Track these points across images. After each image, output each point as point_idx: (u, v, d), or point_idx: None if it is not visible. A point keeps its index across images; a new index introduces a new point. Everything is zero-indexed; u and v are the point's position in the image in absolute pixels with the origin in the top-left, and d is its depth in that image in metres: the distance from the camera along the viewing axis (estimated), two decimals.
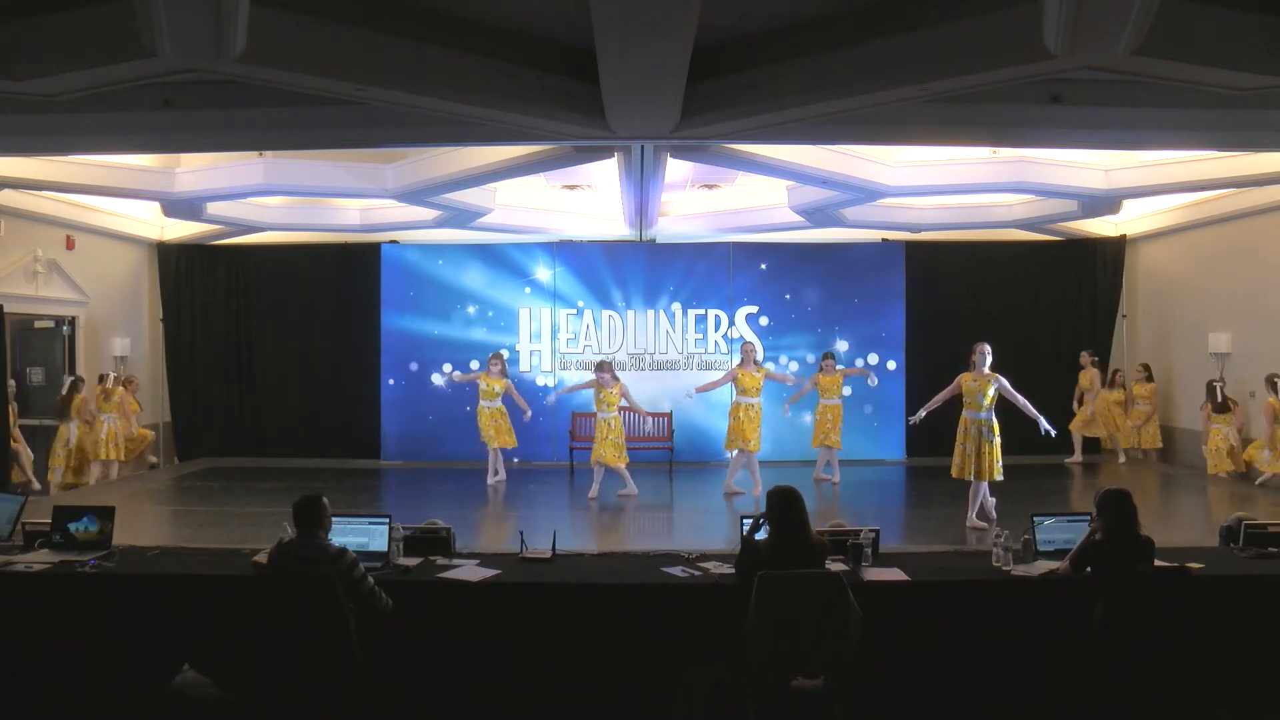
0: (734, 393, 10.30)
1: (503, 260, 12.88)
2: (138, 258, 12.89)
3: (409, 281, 12.89)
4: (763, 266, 12.86)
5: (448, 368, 12.71)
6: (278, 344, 13.14)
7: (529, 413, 11.03)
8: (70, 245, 11.34)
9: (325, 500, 4.48)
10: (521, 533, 5.47)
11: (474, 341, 12.75)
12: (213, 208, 10.99)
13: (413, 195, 10.23)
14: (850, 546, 5.03)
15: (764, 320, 12.82)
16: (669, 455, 12.16)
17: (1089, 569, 4.59)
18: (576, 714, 4.70)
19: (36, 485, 10.33)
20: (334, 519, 4.65)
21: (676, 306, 12.87)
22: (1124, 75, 5.92)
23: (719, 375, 11.45)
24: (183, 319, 13.08)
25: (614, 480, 10.02)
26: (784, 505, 4.49)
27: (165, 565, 5.16)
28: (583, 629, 4.77)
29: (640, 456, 12.22)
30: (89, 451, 10.80)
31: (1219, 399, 10.64)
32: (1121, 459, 12.14)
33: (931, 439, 12.62)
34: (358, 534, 5.06)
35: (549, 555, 5.27)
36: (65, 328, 11.42)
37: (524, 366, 12.84)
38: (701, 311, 12.88)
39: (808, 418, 12.12)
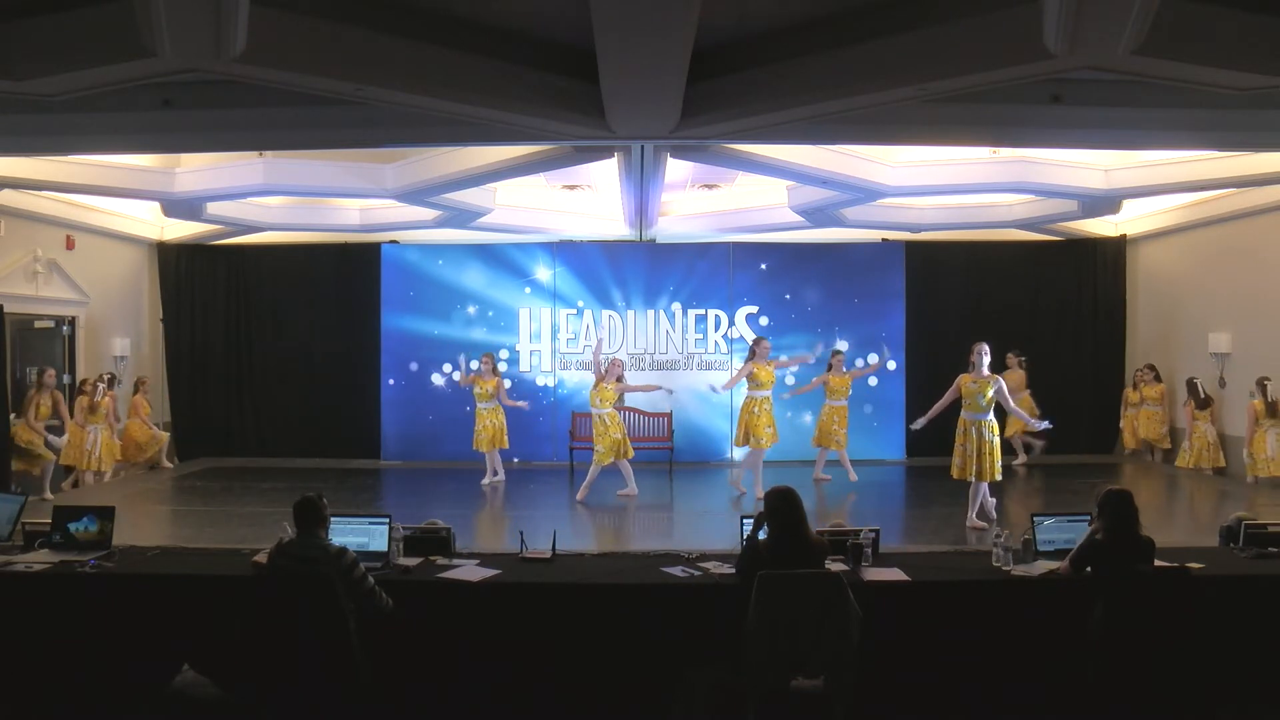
0: (745, 388, 10.14)
1: (503, 260, 12.89)
2: (138, 258, 12.89)
3: (409, 281, 12.89)
4: (763, 266, 12.86)
5: (447, 367, 12.72)
6: (278, 344, 13.14)
7: (526, 405, 11.10)
8: (70, 245, 11.35)
9: (324, 500, 4.48)
10: (521, 533, 5.47)
11: (474, 341, 12.73)
12: (213, 208, 10.99)
13: (413, 195, 10.23)
14: (850, 546, 5.03)
15: (764, 320, 12.82)
16: (669, 455, 12.16)
17: (1089, 569, 4.59)
18: (576, 714, 4.70)
19: (47, 496, 9.94)
20: (334, 519, 4.65)
21: (676, 306, 12.87)
22: (1124, 75, 5.92)
23: (728, 375, 11.45)
24: (183, 319, 13.08)
25: (617, 479, 10.01)
26: (783, 505, 4.49)
27: (165, 565, 5.16)
28: (583, 629, 4.77)
29: (640, 457, 12.22)
30: (77, 461, 10.54)
31: (1201, 395, 10.88)
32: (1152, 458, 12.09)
33: (931, 439, 12.62)
34: (358, 534, 5.06)
35: (549, 555, 5.28)
36: (65, 328, 11.42)
37: (524, 366, 12.85)
38: (701, 311, 12.88)
39: (808, 417, 12.12)
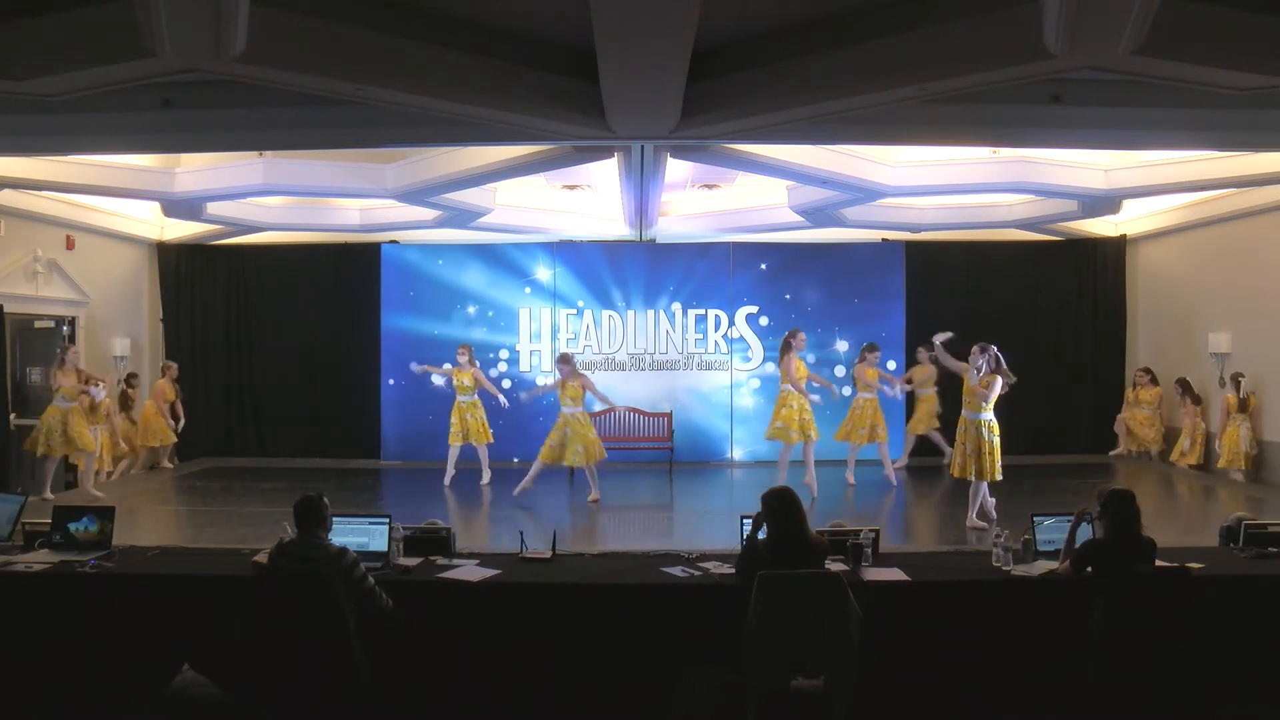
0: (781, 381, 9.91)
1: (503, 260, 12.89)
2: (138, 258, 12.89)
3: (409, 281, 12.89)
4: (763, 266, 12.86)
5: (448, 367, 12.70)
6: (278, 344, 13.13)
7: (505, 401, 11.02)
8: (70, 245, 11.34)
9: (325, 500, 4.48)
10: (521, 533, 5.48)
11: (474, 341, 12.70)
12: (213, 208, 10.99)
13: (413, 195, 10.23)
14: (850, 546, 5.03)
15: (764, 320, 12.82)
16: (669, 455, 12.16)
17: (1089, 569, 4.59)
18: (576, 714, 4.70)
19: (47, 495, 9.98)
20: (334, 519, 4.65)
21: (676, 306, 12.87)
22: (1124, 75, 5.92)
23: (728, 374, 11.38)
24: (183, 319, 13.07)
25: (611, 481, 10.01)
26: (781, 506, 4.49)
27: (165, 565, 5.17)
28: (583, 629, 4.77)
29: (640, 457, 12.26)
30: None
31: (1194, 393, 11.08)
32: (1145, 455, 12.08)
33: (931, 439, 12.67)
34: (358, 534, 5.07)
35: (549, 555, 5.28)
36: (65, 328, 11.41)
37: (524, 366, 12.85)
38: (701, 311, 12.88)
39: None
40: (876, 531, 5.28)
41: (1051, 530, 5.17)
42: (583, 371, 10.06)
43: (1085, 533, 4.84)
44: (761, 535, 4.57)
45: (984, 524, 8.02)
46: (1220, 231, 11.30)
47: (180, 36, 5.17)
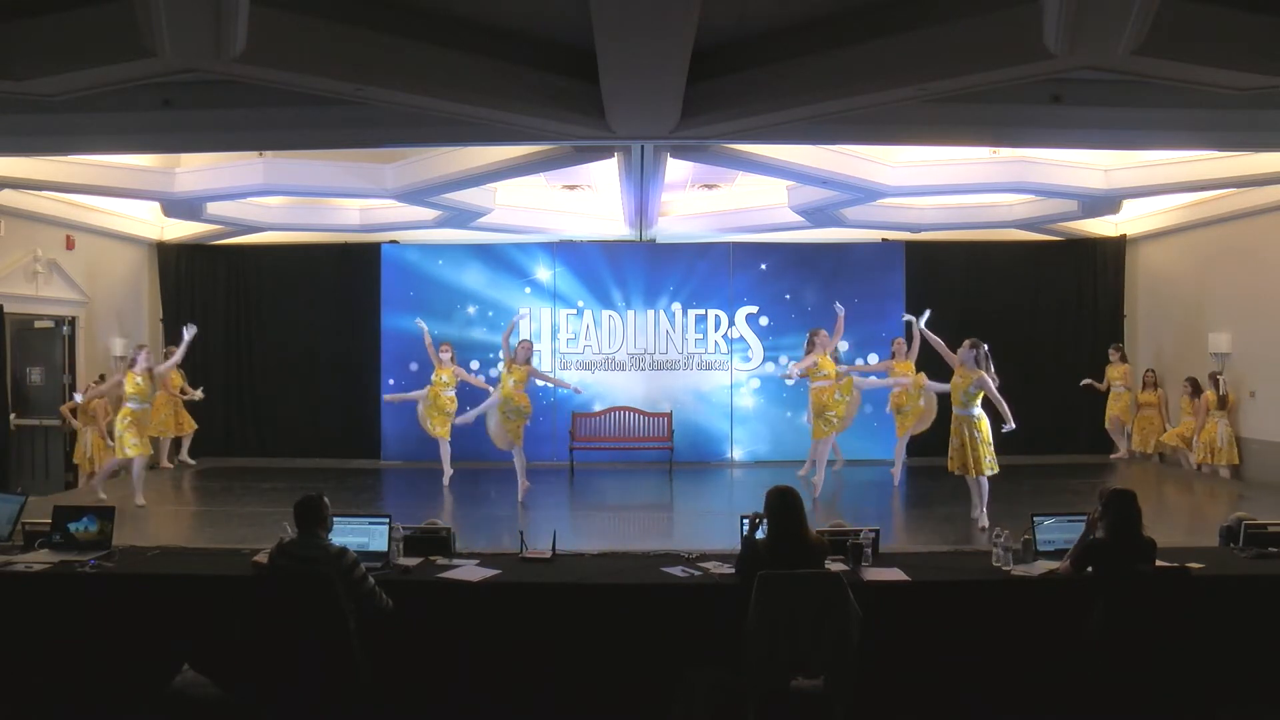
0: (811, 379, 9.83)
1: (503, 260, 12.89)
2: (138, 258, 12.89)
3: (409, 281, 12.89)
4: (763, 266, 12.86)
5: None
6: (278, 344, 13.14)
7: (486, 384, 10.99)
8: (70, 245, 11.34)
9: (326, 500, 4.49)
10: (521, 533, 5.48)
11: (474, 341, 12.75)
12: (213, 208, 10.99)
13: (413, 195, 10.23)
14: (850, 546, 5.03)
15: (764, 320, 12.82)
16: (669, 455, 12.16)
17: (1089, 569, 4.59)
18: (576, 714, 4.70)
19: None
20: (334, 519, 4.65)
21: (676, 306, 12.87)
22: (1124, 75, 5.92)
23: (747, 373, 11.36)
24: (183, 319, 12.98)
25: (612, 481, 10.00)
26: (781, 505, 4.50)
27: (165, 565, 5.16)
28: (583, 629, 4.77)
29: (640, 457, 12.26)
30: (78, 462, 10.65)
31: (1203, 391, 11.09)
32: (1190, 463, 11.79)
33: (931, 439, 12.65)
34: (358, 534, 5.07)
35: (549, 555, 5.28)
36: (65, 328, 11.41)
37: None
38: (701, 311, 12.89)
39: (806, 419, 12.08)
40: (876, 531, 5.28)
41: (1051, 530, 5.17)
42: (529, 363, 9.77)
43: None
44: (761, 535, 4.57)
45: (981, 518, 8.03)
46: (1220, 231, 11.30)
47: (180, 36, 5.17)
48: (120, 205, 11.61)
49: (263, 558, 4.70)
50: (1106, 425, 12.39)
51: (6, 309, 10.08)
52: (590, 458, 12.41)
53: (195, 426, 12.16)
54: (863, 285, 12.82)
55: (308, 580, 4.18)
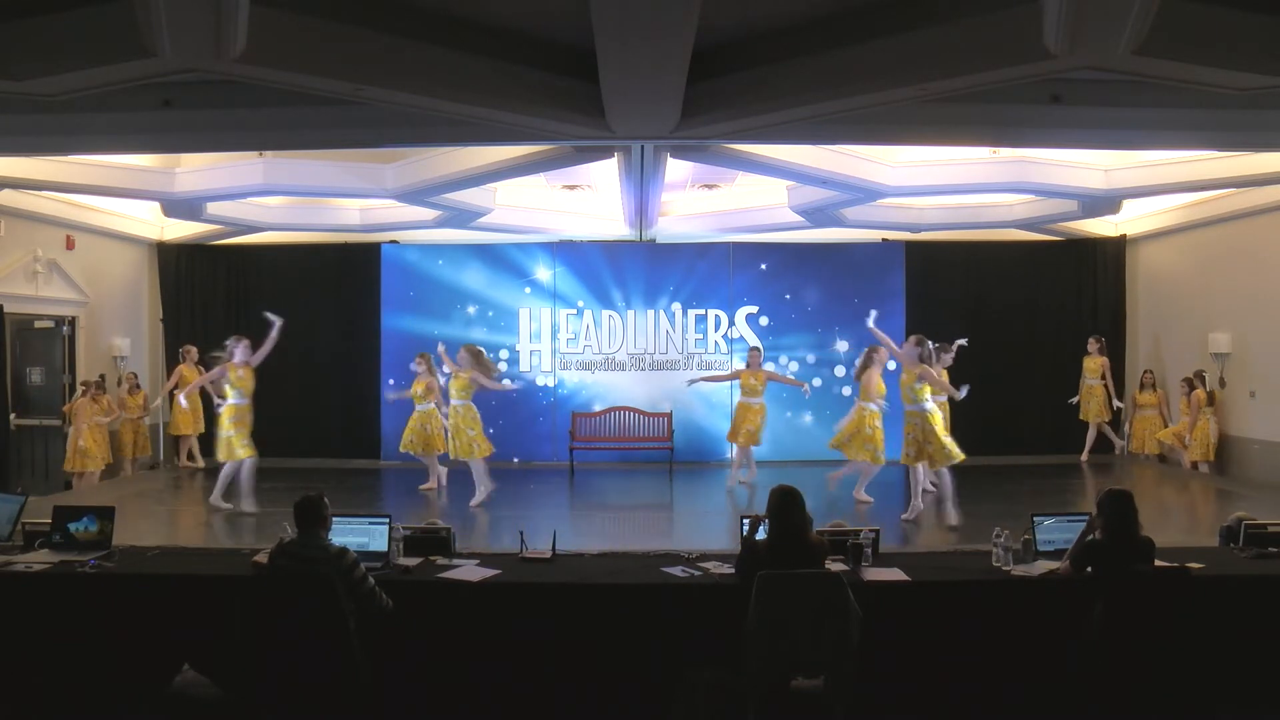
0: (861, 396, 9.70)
1: (503, 260, 12.89)
2: (138, 258, 12.88)
3: (409, 281, 12.89)
4: (763, 266, 12.86)
5: (448, 368, 12.68)
6: (278, 344, 13.11)
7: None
8: (70, 245, 11.34)
9: (325, 500, 4.49)
10: (521, 533, 5.47)
11: (474, 341, 12.69)
12: (213, 208, 10.99)
13: (413, 195, 10.23)
14: (850, 546, 5.03)
15: (764, 320, 12.82)
16: (669, 455, 12.16)
17: (1089, 569, 4.59)
18: (576, 714, 4.70)
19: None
20: (334, 519, 4.65)
21: (676, 306, 12.87)
22: (1124, 75, 5.92)
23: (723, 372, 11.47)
24: (183, 319, 13.06)
25: (612, 481, 9.99)
26: (782, 505, 4.50)
27: (165, 565, 5.16)
28: (583, 629, 4.77)
29: (640, 456, 12.27)
30: (71, 463, 10.61)
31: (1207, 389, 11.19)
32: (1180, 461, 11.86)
33: None
34: (358, 534, 5.06)
35: (549, 555, 5.28)
36: (65, 328, 11.42)
37: (524, 366, 12.85)
38: (701, 311, 12.89)
39: (808, 417, 12.12)
40: (876, 531, 5.28)
41: (1051, 530, 5.17)
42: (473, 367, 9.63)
43: None
44: (761, 535, 4.57)
45: (954, 522, 8.09)
46: (1220, 231, 11.30)
47: (180, 36, 5.17)
48: (120, 205, 11.61)
49: (263, 558, 4.70)
50: (1081, 417, 12.33)
51: (6, 309, 10.08)
52: (590, 458, 12.41)
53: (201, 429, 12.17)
54: (863, 285, 12.83)
55: (308, 580, 4.18)
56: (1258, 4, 5.41)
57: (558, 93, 6.60)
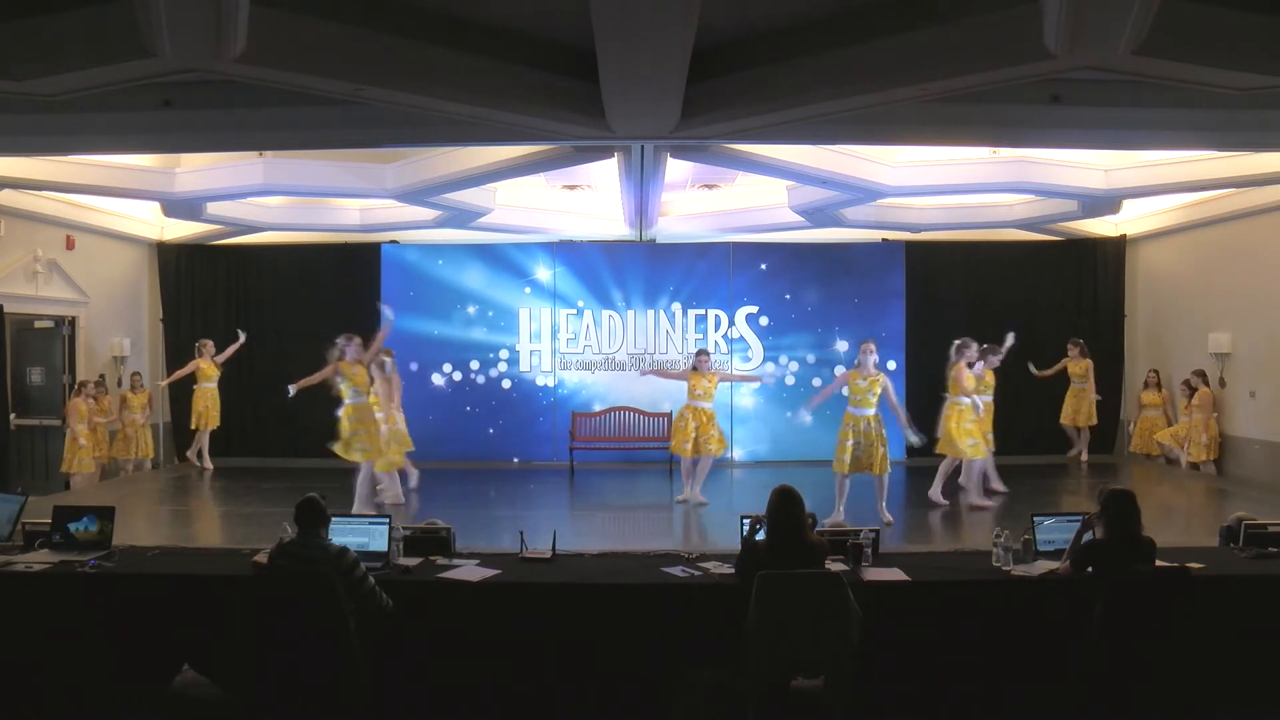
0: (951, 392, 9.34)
1: (503, 260, 12.89)
2: (138, 258, 12.88)
3: (409, 281, 12.89)
4: (763, 266, 12.86)
5: (448, 367, 12.71)
6: (278, 344, 13.12)
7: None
8: (70, 245, 11.34)
9: (325, 500, 4.49)
10: (521, 533, 5.47)
11: (474, 341, 12.76)
12: (213, 208, 10.98)
13: (413, 195, 10.23)
14: (850, 546, 5.03)
15: (764, 320, 12.82)
16: (669, 455, 12.14)
17: (1089, 569, 4.59)
18: (577, 714, 4.70)
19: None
20: (334, 519, 4.66)
21: (676, 306, 12.87)
22: (1124, 75, 5.92)
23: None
24: (183, 319, 13.06)
25: (612, 481, 9.98)
26: (782, 505, 4.50)
27: (165, 565, 5.17)
28: (583, 629, 4.77)
29: (640, 456, 12.27)
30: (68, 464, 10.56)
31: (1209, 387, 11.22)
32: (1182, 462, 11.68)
33: (931, 439, 12.65)
34: (358, 534, 5.07)
35: (549, 555, 5.28)
36: (65, 328, 11.42)
37: (524, 366, 12.85)
38: (701, 311, 12.88)
39: (808, 418, 12.08)
40: (876, 531, 5.28)
41: (1051, 530, 5.17)
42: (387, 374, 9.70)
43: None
44: (762, 536, 4.57)
45: (891, 518, 8.24)
46: (1220, 231, 11.30)
47: (180, 36, 5.17)
48: (120, 205, 11.61)
49: (263, 558, 4.70)
50: (1062, 421, 12.23)
51: (6, 309, 10.08)
52: (590, 458, 12.41)
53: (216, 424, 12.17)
54: (863, 285, 12.83)
55: (308, 580, 4.18)
56: (1258, 4, 5.41)
57: (558, 93, 6.59)
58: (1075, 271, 13.05)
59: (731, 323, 12.84)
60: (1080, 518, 4.93)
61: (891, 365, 12.66)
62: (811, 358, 12.75)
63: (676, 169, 10.24)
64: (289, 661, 4.18)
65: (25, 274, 10.64)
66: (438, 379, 12.76)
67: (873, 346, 8.46)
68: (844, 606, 4.14)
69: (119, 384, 11.93)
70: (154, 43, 5.19)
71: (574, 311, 12.87)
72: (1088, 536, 4.77)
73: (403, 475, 9.63)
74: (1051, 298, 13.07)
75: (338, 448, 8.75)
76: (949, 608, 4.80)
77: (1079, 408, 12.11)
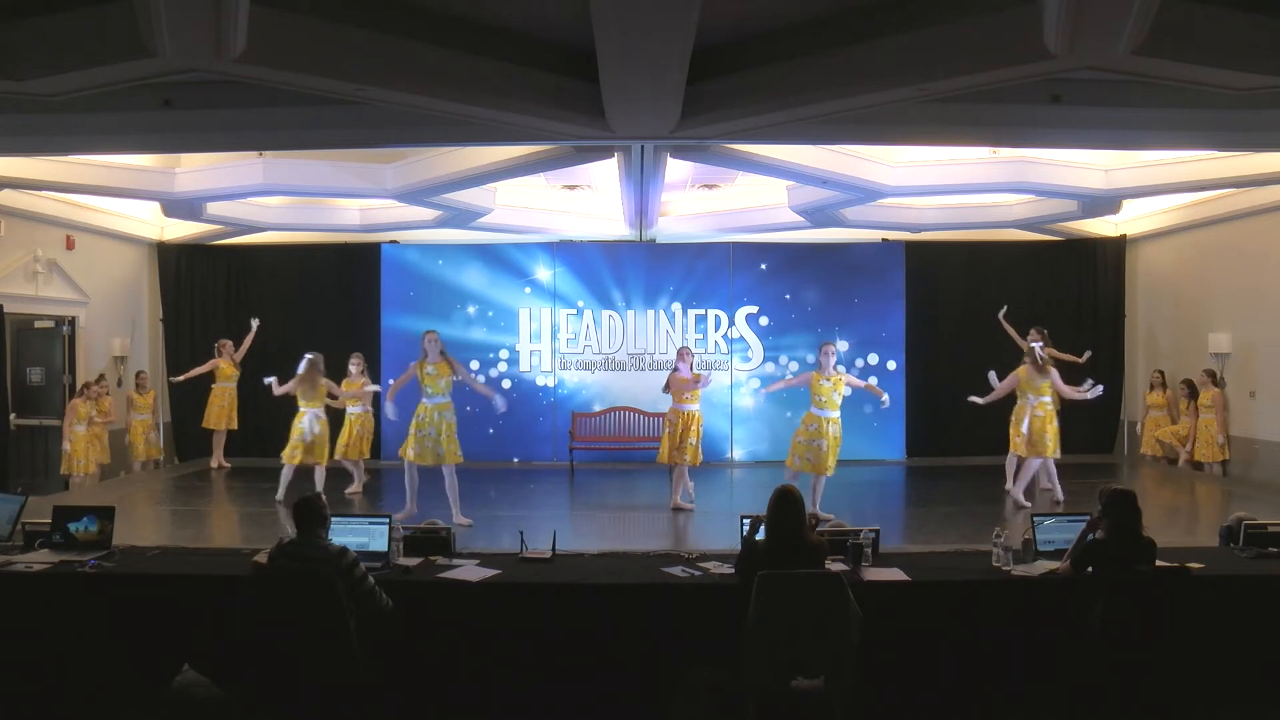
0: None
1: (503, 260, 12.89)
2: (138, 258, 12.88)
3: (409, 281, 12.89)
4: (763, 266, 12.86)
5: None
6: (278, 344, 13.11)
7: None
8: (70, 245, 11.34)
9: (325, 500, 4.49)
10: (521, 533, 5.47)
11: (474, 341, 12.75)
12: (213, 208, 10.99)
13: (413, 195, 10.23)
14: (850, 546, 5.03)
15: (764, 320, 12.82)
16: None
17: (1090, 569, 4.59)
18: (577, 714, 4.70)
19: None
20: (334, 519, 4.66)
21: (676, 306, 12.87)
22: (1124, 75, 5.92)
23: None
24: (183, 319, 13.06)
25: (612, 481, 9.98)
26: (781, 506, 4.50)
27: (165, 565, 5.17)
28: (583, 629, 4.77)
29: (640, 457, 12.25)
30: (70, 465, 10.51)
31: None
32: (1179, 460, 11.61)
33: (932, 439, 12.67)
34: (358, 534, 5.07)
35: (549, 555, 5.28)
36: (65, 328, 11.42)
37: (524, 366, 12.85)
38: (701, 311, 12.88)
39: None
40: (876, 531, 5.28)
41: (1051, 530, 5.17)
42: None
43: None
44: (760, 536, 4.58)
45: (830, 516, 8.06)
46: (1220, 231, 11.30)
47: (180, 36, 5.17)
48: (120, 205, 11.60)
49: (263, 558, 4.70)
50: (1151, 451, 11.75)
51: (6, 309, 10.08)
52: (590, 458, 12.41)
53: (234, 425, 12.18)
54: (863, 285, 12.83)
55: (308, 580, 4.18)
56: (1258, 4, 5.41)
57: (558, 93, 6.60)
58: (1075, 271, 13.05)
59: (731, 323, 12.84)
60: (1081, 517, 4.94)
61: (891, 365, 12.68)
62: (811, 358, 12.62)
63: (676, 169, 10.24)
64: (289, 661, 4.17)
65: (25, 274, 10.64)
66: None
67: (833, 348, 8.58)
68: (844, 606, 4.14)
69: (119, 384, 11.92)
70: (154, 43, 5.19)
71: (574, 311, 12.87)
72: (1090, 536, 4.78)
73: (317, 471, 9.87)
74: (1051, 298, 13.05)
75: (421, 458, 8.75)
76: (949, 608, 4.80)
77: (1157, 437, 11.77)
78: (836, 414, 8.41)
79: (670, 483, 9.56)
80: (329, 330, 13.02)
